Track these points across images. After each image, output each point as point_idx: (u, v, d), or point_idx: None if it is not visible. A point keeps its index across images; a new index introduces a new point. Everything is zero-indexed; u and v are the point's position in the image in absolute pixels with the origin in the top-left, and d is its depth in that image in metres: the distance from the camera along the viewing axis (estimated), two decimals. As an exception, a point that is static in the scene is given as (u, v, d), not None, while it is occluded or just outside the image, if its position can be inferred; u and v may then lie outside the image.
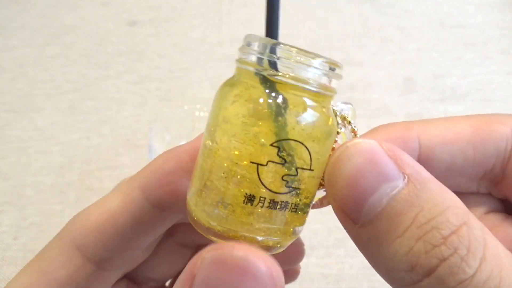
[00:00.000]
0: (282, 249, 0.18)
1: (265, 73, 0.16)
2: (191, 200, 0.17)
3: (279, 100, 0.16)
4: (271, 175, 0.16)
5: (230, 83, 0.17)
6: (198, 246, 0.26)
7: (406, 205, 0.15)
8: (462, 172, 0.19)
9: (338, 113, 0.19)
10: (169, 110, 0.58)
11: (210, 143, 0.17)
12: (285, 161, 0.16)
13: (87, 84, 0.71)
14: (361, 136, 0.19)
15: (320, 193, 0.19)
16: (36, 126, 0.63)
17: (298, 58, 0.16)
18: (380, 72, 0.73)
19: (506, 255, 0.15)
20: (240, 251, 0.14)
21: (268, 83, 0.16)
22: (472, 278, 0.14)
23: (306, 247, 0.28)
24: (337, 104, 0.20)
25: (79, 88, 0.70)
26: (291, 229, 0.18)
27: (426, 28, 0.84)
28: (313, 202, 0.19)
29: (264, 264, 0.14)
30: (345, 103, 0.20)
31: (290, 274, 0.27)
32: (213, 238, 0.17)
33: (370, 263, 0.16)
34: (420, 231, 0.15)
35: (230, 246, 0.14)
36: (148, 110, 0.66)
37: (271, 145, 0.16)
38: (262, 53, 0.17)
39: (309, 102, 0.17)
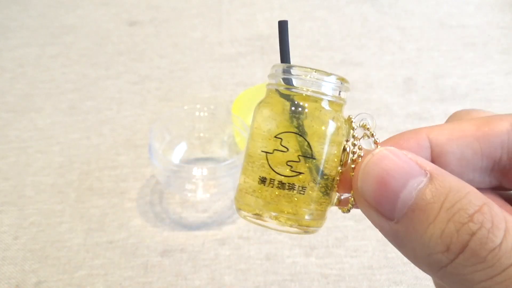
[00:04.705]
0: (303, 231, 0.22)
1: (280, 89, 0.22)
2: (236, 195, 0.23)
3: (292, 105, 0.21)
4: (277, 160, 0.21)
5: (261, 101, 0.23)
6: None
7: (433, 195, 0.18)
8: (473, 165, 0.21)
9: (359, 122, 0.22)
10: (169, 110, 0.58)
11: (247, 147, 0.22)
12: (287, 149, 0.20)
13: (87, 84, 0.71)
14: (381, 144, 0.22)
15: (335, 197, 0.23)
16: (36, 126, 0.63)
17: (313, 75, 0.21)
18: (380, 72, 0.73)
19: None
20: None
21: (285, 96, 0.21)
22: (500, 245, 0.16)
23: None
24: (360, 113, 0.23)
25: (79, 88, 0.70)
26: (303, 211, 0.21)
27: (426, 28, 0.84)
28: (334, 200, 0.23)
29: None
30: (367, 113, 0.23)
31: None
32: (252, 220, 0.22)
33: (408, 256, 0.19)
34: (449, 214, 0.17)
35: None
36: (148, 110, 0.66)
37: (275, 137, 0.21)
38: (282, 75, 0.22)
39: (319, 107, 0.21)
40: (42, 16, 0.87)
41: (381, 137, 0.22)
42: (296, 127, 0.21)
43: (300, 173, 0.21)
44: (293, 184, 0.21)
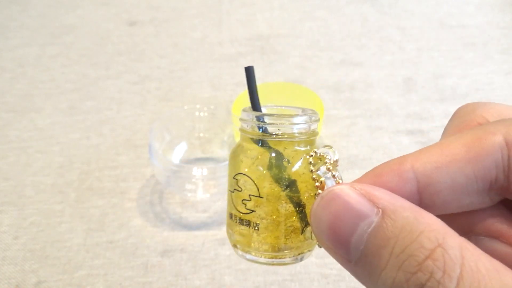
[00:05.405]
0: (277, 264, 0.23)
1: (250, 136, 0.23)
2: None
3: (267, 149, 0.22)
4: (236, 199, 0.22)
5: (236, 146, 0.24)
6: None
7: (383, 238, 0.16)
8: (468, 190, 0.19)
9: (321, 156, 0.22)
10: (169, 110, 0.58)
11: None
12: (241, 189, 0.22)
13: (87, 84, 0.71)
14: (361, 178, 0.20)
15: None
16: (36, 126, 0.63)
17: (282, 120, 0.22)
18: (380, 72, 0.73)
19: (488, 269, 0.15)
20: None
21: (256, 141, 0.23)
22: None
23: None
24: (324, 146, 0.23)
25: (79, 88, 0.70)
26: (269, 245, 0.22)
27: (426, 28, 0.84)
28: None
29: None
30: (327, 146, 0.22)
31: None
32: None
33: None
34: (398, 261, 0.16)
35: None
36: (148, 110, 0.66)
37: (233, 177, 0.22)
38: (251, 122, 0.23)
39: (292, 148, 0.22)
40: (42, 16, 0.87)
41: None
42: (272, 168, 0.22)
43: (253, 211, 0.22)
44: (249, 220, 0.22)
